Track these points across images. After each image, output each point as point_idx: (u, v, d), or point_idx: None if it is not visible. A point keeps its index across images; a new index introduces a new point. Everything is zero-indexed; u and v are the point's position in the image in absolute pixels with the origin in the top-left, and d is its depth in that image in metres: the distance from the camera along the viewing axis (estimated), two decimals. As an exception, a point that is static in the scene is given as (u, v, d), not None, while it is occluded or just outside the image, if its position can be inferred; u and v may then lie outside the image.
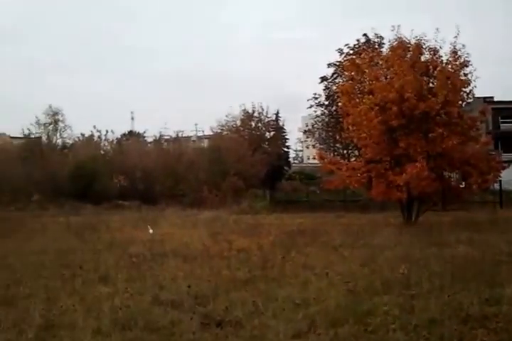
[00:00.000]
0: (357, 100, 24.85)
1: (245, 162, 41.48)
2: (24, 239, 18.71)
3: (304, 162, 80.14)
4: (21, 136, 52.14)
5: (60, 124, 50.77)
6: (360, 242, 16.72)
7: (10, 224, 24.53)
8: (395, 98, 22.85)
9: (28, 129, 49.74)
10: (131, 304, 8.68)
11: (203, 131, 66.21)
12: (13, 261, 13.76)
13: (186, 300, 9.05)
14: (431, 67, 24.51)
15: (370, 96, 23.72)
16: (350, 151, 47.90)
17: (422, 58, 24.58)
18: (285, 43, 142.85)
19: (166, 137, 51.33)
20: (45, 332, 7.49)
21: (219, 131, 50.18)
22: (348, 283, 9.88)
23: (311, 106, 50.62)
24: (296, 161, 77.01)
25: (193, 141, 61.83)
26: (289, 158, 55.52)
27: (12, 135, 58.76)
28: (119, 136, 52.78)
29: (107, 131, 49.34)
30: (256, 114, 49.52)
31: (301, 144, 79.56)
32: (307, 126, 55.94)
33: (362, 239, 17.39)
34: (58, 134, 51.01)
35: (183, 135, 52.61)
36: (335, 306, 8.41)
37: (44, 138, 50.00)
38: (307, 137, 57.35)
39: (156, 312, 8.45)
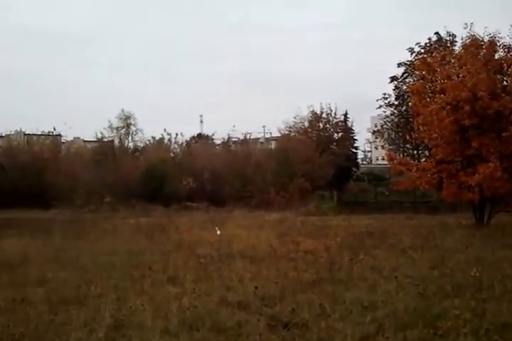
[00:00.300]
0: (428, 99, 24.42)
1: (313, 163, 41.31)
2: (96, 239, 19.22)
3: (373, 163, 79.14)
4: (95, 139, 53.81)
5: (132, 128, 52.11)
6: (430, 244, 16.39)
7: (83, 226, 25.25)
8: (468, 97, 22.31)
9: (101, 133, 51.34)
10: (199, 304, 8.76)
11: (270, 133, 66.33)
12: (85, 261, 14.14)
13: (253, 302, 9.08)
14: (505, 64, 23.88)
15: (442, 95, 23.26)
16: (420, 152, 46.94)
17: (496, 56, 24.00)
18: (354, 43, 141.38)
19: (234, 139, 51.77)
20: (114, 331, 7.66)
21: (287, 132, 50.11)
22: (418, 286, 9.71)
23: (380, 107, 49.97)
24: (364, 162, 75.96)
25: (261, 142, 62.01)
26: (357, 159, 54.84)
27: (86, 139, 60.66)
28: (188, 139, 53.68)
29: (176, 134, 50.33)
30: (324, 115, 49.16)
31: (369, 145, 78.64)
32: (376, 126, 55.25)
33: (432, 241, 17.04)
34: (130, 138, 52.35)
35: (251, 137, 52.94)
36: (404, 309, 8.26)
37: (116, 141, 51.39)
38: (376, 138, 56.65)
39: (223, 313, 8.51)
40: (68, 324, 7.95)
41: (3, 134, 58.43)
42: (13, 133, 54.95)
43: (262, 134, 67.98)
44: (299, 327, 7.65)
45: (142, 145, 52.86)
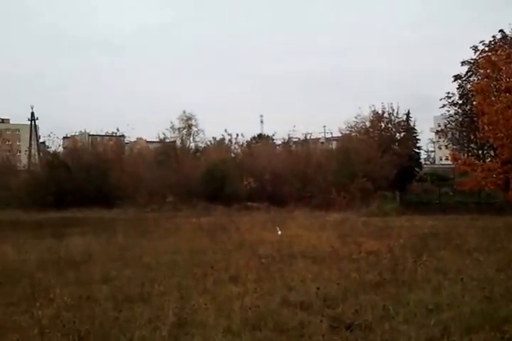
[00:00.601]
0: (493, 98, 23.83)
1: (374, 163, 40.74)
2: (159, 238, 19.49)
3: (436, 163, 77.59)
4: (157, 140, 54.75)
5: (193, 129, 52.90)
6: (496, 246, 15.93)
7: (145, 225, 25.66)
8: (534, 96, 21.62)
9: (164, 134, 52.27)
10: (261, 304, 8.74)
11: (331, 133, 65.86)
12: (148, 259, 14.34)
13: (315, 302, 9.00)
14: None
15: (507, 94, 22.61)
16: (485, 152, 45.62)
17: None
18: (416, 42, 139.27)
19: (294, 139, 51.59)
20: (178, 329, 7.72)
21: (348, 132, 49.64)
22: (484, 289, 9.42)
23: (443, 106, 48.68)
24: (427, 162, 74.51)
25: (322, 142, 61.65)
26: (420, 159, 53.72)
27: (148, 139, 61.80)
28: (249, 139, 53.91)
29: (237, 135, 50.65)
30: (386, 115, 48.38)
31: (432, 145, 77.17)
32: (439, 126, 53.94)
33: (498, 243, 16.55)
34: (191, 138, 53.15)
35: (312, 137, 52.64)
36: (470, 312, 8.03)
37: (178, 142, 52.18)
38: (439, 137, 55.31)
39: (285, 313, 8.47)
40: (132, 321, 8.06)
41: (69, 135, 60.23)
42: (77, 134, 56.55)
43: (323, 134, 67.65)
44: (362, 328, 7.54)
45: (203, 145, 53.54)
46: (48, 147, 53.99)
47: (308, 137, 51.21)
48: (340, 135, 52.76)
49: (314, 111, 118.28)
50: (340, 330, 7.52)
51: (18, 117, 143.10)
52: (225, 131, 50.57)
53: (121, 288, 10.76)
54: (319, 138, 62.25)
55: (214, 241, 18.06)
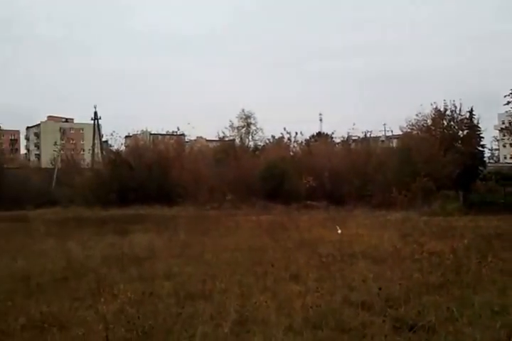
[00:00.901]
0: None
1: (436, 162, 39.90)
2: (219, 236, 19.62)
3: (501, 161, 75.49)
4: (216, 139, 55.27)
5: (252, 127, 53.15)
6: None
7: (206, 222, 25.89)
8: None
9: (223, 132, 52.74)
10: (322, 303, 8.70)
11: (391, 131, 65.05)
12: (209, 257, 14.45)
13: (377, 303, 8.89)
14: None
15: None
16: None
17: None
18: (479, 38, 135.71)
19: (354, 138, 51.15)
20: (239, 326, 7.76)
21: (409, 130, 48.82)
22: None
23: (508, 103, 47.35)
24: (491, 161, 72.56)
25: (382, 141, 60.94)
26: (483, 157, 52.30)
27: (208, 138, 62.42)
28: (308, 138, 53.75)
29: (296, 133, 50.58)
30: (448, 112, 47.30)
31: (497, 143, 75.07)
32: (504, 123, 52.49)
33: None
34: (250, 137, 53.42)
35: (372, 135, 52.08)
36: (539, 315, 7.78)
37: (237, 140, 52.54)
38: (504, 135, 53.87)
39: (347, 312, 8.40)
40: (195, 317, 8.16)
41: (131, 134, 61.39)
42: (139, 133, 57.57)
43: (383, 132, 66.85)
44: (425, 330, 7.39)
45: (262, 144, 53.69)
46: (110, 146, 55.24)
47: (368, 135, 50.74)
48: (400, 133, 51.97)
49: (375, 109, 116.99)
50: (403, 331, 7.41)
51: (82, 117, 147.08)
52: (284, 129, 50.70)
53: (183, 284, 10.89)
54: (379, 137, 61.52)
55: (274, 239, 18.05)
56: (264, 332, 7.38)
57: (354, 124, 50.97)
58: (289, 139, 50.60)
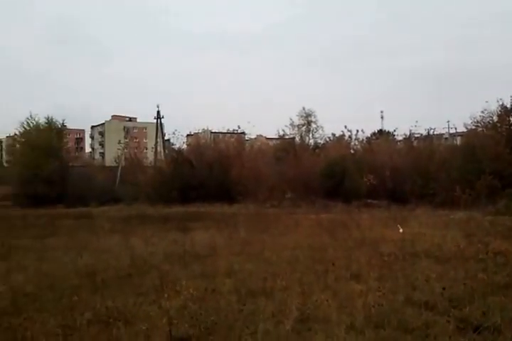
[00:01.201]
0: None
1: (502, 160, 38.72)
2: (279, 234, 19.63)
3: None
4: (276, 137, 55.36)
5: (313, 125, 53.00)
6: None
7: (266, 220, 25.93)
8: None
9: (283, 130, 52.76)
10: (384, 303, 8.61)
11: (455, 128, 63.53)
12: (270, 255, 14.46)
13: (440, 302, 8.74)
14: None
15: None
16: None
17: None
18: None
19: (416, 135, 50.23)
20: (300, 324, 7.78)
21: (473, 127, 47.60)
22: None
23: None
24: None
25: (445, 138, 59.64)
26: (552, 155, 50.53)
27: (268, 136, 62.58)
28: (369, 135, 53.19)
29: (357, 131, 50.11)
30: (515, 109, 45.92)
31: None
32: None
33: None
34: (310, 135, 53.27)
35: (435, 133, 51.03)
36: None
37: (297, 138, 52.51)
38: None
39: (410, 312, 8.29)
40: (256, 314, 8.21)
41: (192, 133, 62.16)
42: (200, 131, 58.23)
43: (447, 130, 65.42)
44: (490, 331, 7.25)
45: (322, 142, 53.47)
46: (172, 144, 56.06)
47: (431, 132, 49.70)
48: (465, 130, 50.72)
49: (438, 106, 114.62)
50: (467, 332, 7.27)
51: (145, 116, 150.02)
52: (345, 127, 50.21)
53: (244, 281, 10.98)
54: (443, 134, 60.22)
55: (334, 238, 17.93)
56: (325, 331, 7.38)
57: (417, 122, 49.84)
58: (349, 137, 50.21)
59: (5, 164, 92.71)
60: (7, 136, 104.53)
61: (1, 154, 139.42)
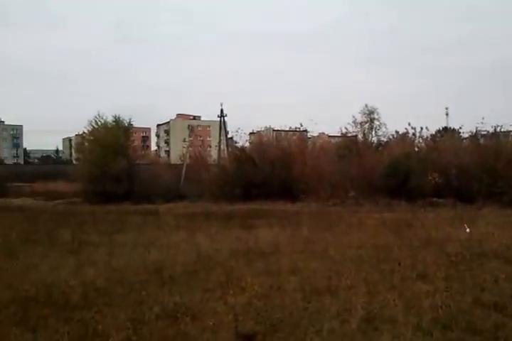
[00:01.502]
0: None
1: None
2: (342, 233, 19.48)
3: None
4: (338, 134, 54.95)
5: (376, 122, 52.31)
6: None
7: (329, 219, 25.83)
8: None
9: (346, 128, 52.24)
10: (452, 303, 8.50)
11: (524, 125, 61.41)
12: (333, 253, 14.43)
13: (510, 304, 8.56)
14: None
15: None
16: None
17: None
18: None
19: (482, 132, 48.88)
20: (366, 323, 7.77)
21: (543, 123, 46.03)
22: None
23: None
24: None
25: (513, 135, 57.74)
26: None
27: (330, 134, 62.22)
28: (434, 133, 52.07)
29: (421, 128, 49.09)
30: None
31: None
32: None
33: None
34: (373, 132, 52.57)
35: (502, 130, 49.51)
36: None
37: (360, 136, 51.92)
38: None
39: (478, 313, 8.16)
40: (321, 313, 8.25)
41: (255, 131, 62.39)
42: (263, 129, 58.36)
43: (516, 127, 63.32)
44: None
45: (385, 139, 52.73)
46: (235, 142, 56.37)
47: (498, 130, 48.27)
48: (536, 127, 49.05)
49: (504, 102, 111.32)
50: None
51: (209, 114, 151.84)
52: (409, 124, 49.26)
53: (308, 279, 11.01)
54: (510, 131, 58.35)
55: (399, 237, 17.73)
56: (392, 331, 7.34)
57: (483, 118, 48.39)
58: (413, 134, 49.21)
59: (74, 162, 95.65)
60: (76, 135, 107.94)
61: (71, 152, 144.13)
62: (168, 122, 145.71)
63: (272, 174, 43.60)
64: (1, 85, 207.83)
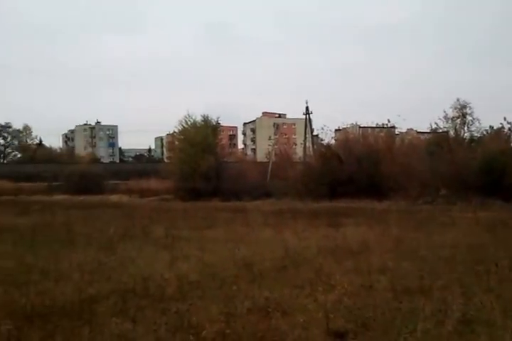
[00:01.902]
0: None
1: None
2: (433, 232, 18.93)
3: None
4: (428, 131, 53.52)
5: (468, 118, 50.45)
6: None
7: (419, 218, 25.20)
8: None
9: (436, 124, 50.72)
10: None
11: None
12: (424, 253, 14.06)
13: None
14: None
15: None
16: None
17: None
18: None
19: None
20: (462, 325, 7.49)
21: None
22: None
23: None
24: None
25: None
26: None
27: (419, 130, 60.76)
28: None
29: (518, 123, 47.02)
30: None
31: None
32: None
33: None
34: (466, 128, 50.76)
35: None
36: None
37: (451, 132, 50.30)
38: None
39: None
40: (414, 313, 8.03)
41: (340, 128, 61.94)
42: (349, 126, 57.85)
43: None
44: None
45: (479, 135, 50.89)
46: (321, 139, 56.19)
47: None
48: None
49: None
50: None
51: (294, 112, 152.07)
52: (504, 119, 47.29)
53: (399, 279, 10.76)
54: None
55: (495, 237, 17.02)
56: (489, 334, 7.06)
57: None
58: (509, 130, 47.23)
59: (166, 160, 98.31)
60: (167, 134, 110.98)
61: (163, 151, 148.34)
62: (255, 120, 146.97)
63: (358, 171, 43.04)
64: (99, 89, 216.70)
